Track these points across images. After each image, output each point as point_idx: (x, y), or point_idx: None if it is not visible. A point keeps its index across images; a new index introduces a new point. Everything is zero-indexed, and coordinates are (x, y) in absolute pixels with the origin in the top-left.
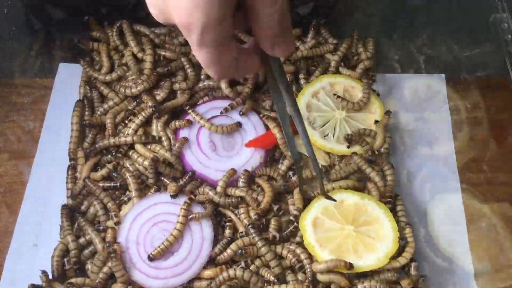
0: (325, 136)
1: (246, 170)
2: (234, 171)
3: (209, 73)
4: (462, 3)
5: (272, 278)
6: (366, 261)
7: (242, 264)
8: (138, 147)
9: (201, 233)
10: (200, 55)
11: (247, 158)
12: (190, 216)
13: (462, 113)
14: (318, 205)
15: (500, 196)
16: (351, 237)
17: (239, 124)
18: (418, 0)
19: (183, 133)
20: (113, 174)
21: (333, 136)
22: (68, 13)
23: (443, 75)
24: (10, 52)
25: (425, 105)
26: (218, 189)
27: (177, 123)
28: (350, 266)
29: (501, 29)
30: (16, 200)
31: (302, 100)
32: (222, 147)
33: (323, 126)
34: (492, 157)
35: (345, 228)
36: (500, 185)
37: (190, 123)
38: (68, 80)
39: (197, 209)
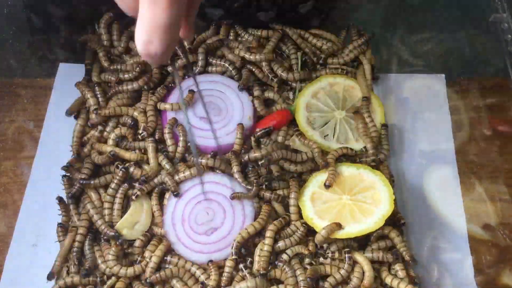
0: (325, 136)
1: (239, 124)
2: (242, 125)
3: (159, 39)
4: (462, 3)
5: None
6: (363, 225)
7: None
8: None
9: (243, 211)
10: (168, 12)
11: (238, 120)
12: (232, 194)
13: (462, 113)
14: (315, 181)
15: (501, 196)
16: (349, 206)
17: (192, 92)
18: (418, 0)
19: (170, 115)
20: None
21: (333, 137)
22: (68, 13)
23: (443, 75)
24: (10, 52)
25: (425, 105)
26: (237, 143)
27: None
28: (340, 225)
29: (501, 29)
30: (16, 200)
31: (302, 101)
32: (213, 115)
33: (323, 126)
34: (492, 157)
35: (342, 198)
36: (500, 185)
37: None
38: (68, 80)
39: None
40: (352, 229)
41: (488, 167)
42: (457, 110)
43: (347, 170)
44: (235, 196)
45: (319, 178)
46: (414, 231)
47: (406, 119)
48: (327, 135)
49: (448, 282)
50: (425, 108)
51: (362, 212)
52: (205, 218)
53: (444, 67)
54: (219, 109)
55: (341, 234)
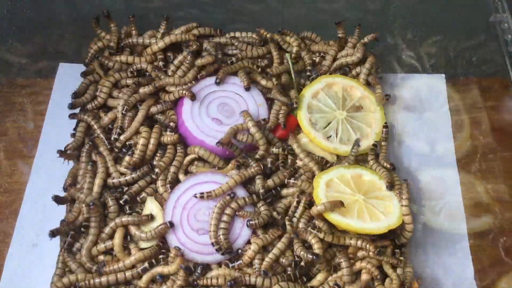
0: (328, 137)
1: (244, 111)
2: (246, 111)
3: None
4: (463, 3)
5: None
6: (366, 225)
7: None
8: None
9: (240, 230)
10: None
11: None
12: (238, 213)
13: (462, 113)
14: (337, 171)
15: (501, 196)
16: (360, 204)
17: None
18: (418, 0)
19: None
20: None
21: (336, 137)
22: (68, 13)
23: (443, 75)
24: (10, 52)
25: (425, 105)
26: (252, 129)
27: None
28: (342, 203)
29: (501, 29)
30: (16, 200)
31: (303, 102)
32: (225, 117)
33: (325, 127)
34: (492, 157)
35: (356, 195)
36: (500, 185)
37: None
38: (68, 80)
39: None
40: (354, 223)
41: (488, 167)
42: (457, 110)
43: (369, 175)
44: (241, 215)
45: (342, 170)
46: (414, 231)
47: (406, 119)
48: (330, 136)
49: (448, 282)
50: (425, 108)
51: (370, 214)
52: (204, 217)
53: (444, 67)
54: (232, 110)
55: (341, 222)
